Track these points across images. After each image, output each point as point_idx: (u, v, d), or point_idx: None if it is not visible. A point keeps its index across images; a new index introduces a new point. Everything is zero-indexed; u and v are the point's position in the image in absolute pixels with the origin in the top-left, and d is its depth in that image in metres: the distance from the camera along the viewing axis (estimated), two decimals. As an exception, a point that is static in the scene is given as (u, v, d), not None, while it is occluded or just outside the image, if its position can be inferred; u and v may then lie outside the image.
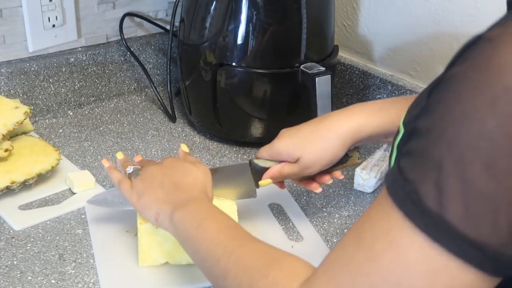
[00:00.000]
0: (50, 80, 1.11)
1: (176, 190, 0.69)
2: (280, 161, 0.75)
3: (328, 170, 0.76)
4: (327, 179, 0.77)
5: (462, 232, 0.39)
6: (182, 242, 0.65)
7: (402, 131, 0.51)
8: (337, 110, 0.75)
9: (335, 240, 0.84)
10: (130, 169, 0.74)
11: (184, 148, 0.80)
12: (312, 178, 0.78)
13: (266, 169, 0.76)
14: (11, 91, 1.06)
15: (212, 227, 0.62)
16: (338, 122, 0.72)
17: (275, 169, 0.75)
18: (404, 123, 0.51)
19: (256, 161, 0.77)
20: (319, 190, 0.78)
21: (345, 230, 0.86)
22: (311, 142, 0.72)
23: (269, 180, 0.76)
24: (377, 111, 0.72)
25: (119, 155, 0.78)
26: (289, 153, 0.73)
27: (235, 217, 0.75)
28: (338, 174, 0.78)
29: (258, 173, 0.76)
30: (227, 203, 0.77)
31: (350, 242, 0.47)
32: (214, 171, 0.75)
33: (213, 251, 0.59)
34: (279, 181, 0.79)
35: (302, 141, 0.73)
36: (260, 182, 0.77)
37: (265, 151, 0.77)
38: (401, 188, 0.42)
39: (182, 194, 0.68)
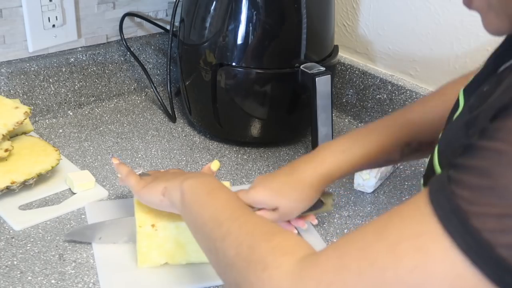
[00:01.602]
0: (50, 80, 1.10)
1: (183, 174, 0.73)
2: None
3: (303, 214, 0.78)
4: (302, 224, 0.79)
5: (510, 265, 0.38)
6: (187, 207, 0.65)
7: (462, 104, 0.51)
8: (304, 157, 0.78)
9: (335, 240, 0.84)
10: (139, 169, 0.78)
11: (214, 166, 0.81)
12: (287, 222, 0.80)
13: None
14: (11, 91, 1.06)
15: (222, 196, 0.64)
16: (307, 173, 0.75)
17: None
18: (465, 94, 0.51)
19: None
20: (294, 231, 0.80)
21: (345, 230, 0.87)
22: (285, 193, 0.75)
23: None
24: (339, 154, 0.75)
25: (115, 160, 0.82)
26: (266, 203, 0.75)
27: None
28: (312, 218, 0.80)
29: None
30: None
31: (371, 230, 0.45)
32: None
33: (218, 215, 0.60)
34: None
35: (276, 192, 0.75)
36: None
37: (242, 196, 0.76)
38: (447, 201, 0.41)
39: (189, 173, 0.75)
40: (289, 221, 0.79)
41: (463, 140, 0.46)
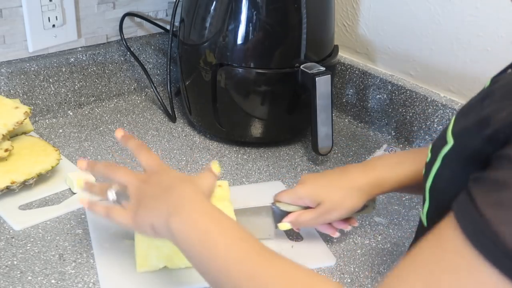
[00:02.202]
0: (50, 80, 1.10)
1: (167, 193, 0.62)
2: (300, 206, 0.78)
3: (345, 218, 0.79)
4: (346, 226, 0.80)
5: None
6: (186, 255, 0.59)
7: (451, 142, 0.51)
8: (357, 164, 0.79)
9: (335, 240, 0.84)
10: (112, 195, 0.67)
11: (215, 167, 0.70)
12: (329, 224, 0.80)
13: (285, 212, 0.78)
14: (11, 91, 1.06)
15: (219, 241, 0.56)
16: (359, 177, 0.76)
17: (294, 215, 0.78)
18: (454, 133, 0.51)
19: (277, 204, 0.79)
20: (336, 234, 0.80)
21: (345, 230, 0.86)
22: (332, 190, 0.76)
23: (288, 225, 0.78)
24: (394, 165, 0.76)
25: (79, 183, 0.73)
26: (311, 198, 0.76)
27: (232, 217, 0.75)
28: (354, 221, 0.80)
29: (277, 216, 0.79)
30: (223, 204, 0.77)
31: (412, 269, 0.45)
32: (236, 212, 0.78)
33: (227, 274, 0.54)
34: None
35: (324, 188, 0.76)
36: (279, 225, 0.79)
37: (286, 195, 0.79)
38: (474, 224, 0.40)
39: (174, 195, 0.62)
40: (330, 224, 0.79)
41: (478, 109, 0.47)
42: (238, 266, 0.54)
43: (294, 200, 0.78)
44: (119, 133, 0.73)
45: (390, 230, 0.88)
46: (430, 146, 0.59)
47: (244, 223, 0.78)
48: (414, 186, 0.75)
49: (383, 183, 0.75)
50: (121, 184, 0.67)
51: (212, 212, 0.60)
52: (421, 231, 0.61)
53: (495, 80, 0.53)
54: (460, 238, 0.41)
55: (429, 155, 0.57)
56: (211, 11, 1.00)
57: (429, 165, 0.56)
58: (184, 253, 0.60)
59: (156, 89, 1.19)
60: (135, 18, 1.21)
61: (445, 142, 0.53)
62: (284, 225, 0.78)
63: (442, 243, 0.43)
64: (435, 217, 0.56)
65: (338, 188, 0.76)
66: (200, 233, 0.57)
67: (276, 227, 0.79)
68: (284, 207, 0.79)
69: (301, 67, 0.98)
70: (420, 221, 0.62)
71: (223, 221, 0.59)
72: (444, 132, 0.55)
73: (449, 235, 0.43)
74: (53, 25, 1.09)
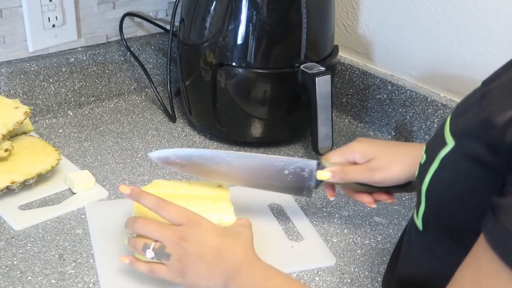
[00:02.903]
0: (50, 80, 1.11)
1: (218, 257, 0.63)
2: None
3: (387, 189, 0.77)
4: (386, 198, 0.78)
5: None
6: None
7: (451, 143, 0.51)
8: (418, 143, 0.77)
9: (335, 240, 0.84)
10: (150, 253, 0.66)
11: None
12: (369, 193, 0.78)
13: None
14: (11, 91, 1.06)
15: None
16: (416, 149, 0.73)
17: (337, 166, 0.76)
18: (455, 135, 0.51)
19: (324, 161, 0.77)
20: (373, 205, 0.78)
21: (345, 230, 0.87)
22: (387, 151, 0.74)
23: (328, 174, 0.75)
24: None
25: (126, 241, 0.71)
26: (363, 152, 0.74)
27: (232, 217, 0.75)
28: (393, 197, 0.79)
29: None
30: (223, 204, 0.76)
31: None
32: (278, 160, 0.75)
33: None
34: (330, 186, 0.79)
35: (378, 147, 0.75)
36: (318, 172, 0.76)
37: (337, 150, 0.78)
38: (507, 246, 0.42)
39: (227, 260, 0.63)
40: (371, 194, 0.78)
41: (477, 109, 0.48)
42: None
43: (345, 153, 0.75)
44: (125, 190, 0.68)
45: (390, 230, 0.88)
46: (424, 147, 0.58)
47: (283, 175, 0.76)
48: None
49: None
50: (156, 240, 0.67)
51: (266, 272, 0.63)
52: (416, 235, 0.60)
53: (487, 82, 0.52)
54: (495, 260, 0.43)
55: (424, 156, 0.57)
56: (211, 11, 1.00)
57: (424, 167, 0.55)
58: None
59: (156, 89, 1.19)
60: (135, 18, 1.21)
61: (444, 143, 0.52)
62: (323, 173, 0.75)
63: (480, 267, 0.45)
64: (432, 220, 0.56)
65: (392, 151, 0.74)
66: None
67: (316, 184, 0.76)
68: (330, 165, 0.76)
69: (301, 67, 0.98)
70: (412, 224, 0.61)
71: (275, 279, 0.61)
72: (441, 132, 0.54)
73: (485, 259, 0.44)
74: (53, 25, 1.09)
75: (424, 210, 0.56)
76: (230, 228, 0.69)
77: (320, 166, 0.77)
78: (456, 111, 0.54)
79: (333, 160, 0.78)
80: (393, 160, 0.73)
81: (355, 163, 0.76)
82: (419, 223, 0.58)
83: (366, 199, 0.78)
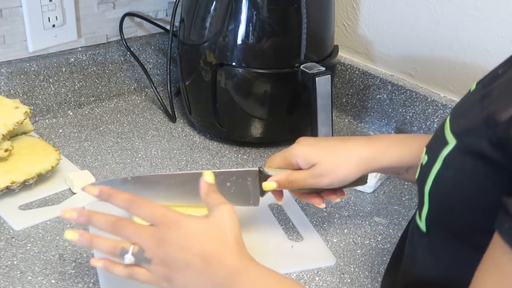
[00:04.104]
0: (50, 80, 1.11)
1: (207, 266, 0.57)
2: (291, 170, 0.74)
3: (335, 189, 0.75)
4: (334, 198, 0.76)
5: None
6: None
7: (453, 142, 0.50)
8: (361, 136, 0.75)
9: (335, 240, 0.84)
10: (129, 257, 0.60)
11: (208, 177, 0.65)
12: (317, 193, 0.77)
13: None
14: (11, 91, 1.06)
15: None
16: (360, 146, 0.72)
17: (282, 174, 0.73)
18: (456, 134, 0.50)
19: (266, 168, 0.75)
20: (322, 205, 0.76)
21: (345, 230, 0.87)
22: (329, 153, 0.72)
23: (274, 184, 0.73)
24: (398, 142, 0.72)
25: (73, 237, 0.63)
26: (305, 157, 0.72)
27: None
28: (343, 193, 0.77)
29: (265, 180, 0.74)
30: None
31: None
32: (217, 175, 0.71)
33: None
34: (278, 191, 0.77)
35: (321, 150, 0.72)
36: (264, 184, 0.74)
37: (278, 155, 0.75)
38: None
39: (218, 271, 0.57)
40: (319, 194, 0.76)
41: (478, 109, 0.48)
42: None
43: (287, 158, 0.73)
44: (93, 191, 0.64)
45: (390, 230, 0.88)
46: (424, 149, 0.58)
47: (226, 188, 0.73)
48: (409, 168, 0.72)
49: (384, 157, 0.71)
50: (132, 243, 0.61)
51: (265, 280, 0.58)
52: (419, 237, 0.59)
53: (486, 84, 0.52)
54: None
55: (426, 157, 0.56)
56: (211, 11, 1.00)
57: (426, 168, 0.55)
58: None
59: (156, 89, 1.19)
60: (135, 18, 1.21)
61: (445, 143, 0.52)
62: (269, 184, 0.73)
63: (503, 270, 0.44)
64: (436, 221, 0.55)
65: (336, 153, 0.71)
66: None
67: (262, 193, 0.74)
68: (273, 172, 0.73)
69: (301, 67, 0.98)
70: (414, 226, 0.60)
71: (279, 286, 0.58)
72: (441, 133, 0.54)
73: (506, 262, 0.43)
74: (53, 25, 1.09)
75: (428, 211, 0.55)
76: (211, 222, 0.60)
77: (262, 174, 0.74)
78: (455, 112, 0.54)
79: (276, 163, 0.75)
80: (337, 162, 0.71)
81: (298, 168, 0.74)
82: (422, 225, 0.57)
83: (315, 200, 0.76)
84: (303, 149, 0.73)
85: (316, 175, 0.72)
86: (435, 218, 0.55)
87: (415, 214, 0.60)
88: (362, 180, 0.76)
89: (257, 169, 0.75)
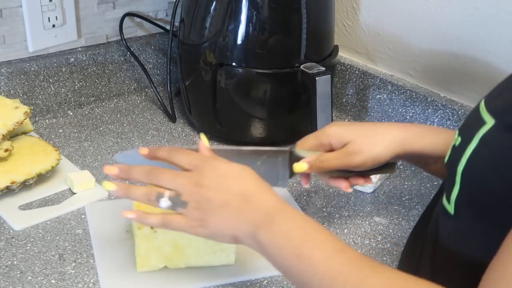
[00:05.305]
0: (50, 80, 1.11)
1: (246, 204, 0.59)
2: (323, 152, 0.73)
3: (363, 173, 0.74)
4: (361, 182, 0.75)
5: None
6: (279, 268, 0.57)
7: (491, 121, 0.50)
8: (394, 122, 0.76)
9: (335, 240, 0.84)
10: (166, 201, 0.61)
11: (204, 140, 0.67)
12: (345, 178, 0.76)
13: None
14: (11, 91, 1.06)
15: (317, 256, 0.53)
16: (395, 127, 0.72)
17: (313, 156, 0.72)
18: (494, 113, 0.50)
19: (297, 149, 0.73)
20: (349, 190, 0.75)
21: (345, 230, 0.87)
22: (364, 132, 0.71)
23: (305, 166, 0.71)
24: (433, 130, 0.72)
25: (107, 185, 0.66)
26: (339, 136, 0.71)
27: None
28: (370, 180, 0.76)
29: (295, 162, 0.72)
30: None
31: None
32: (249, 153, 0.71)
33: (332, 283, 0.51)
34: (306, 174, 0.76)
35: (354, 130, 0.71)
36: (295, 165, 0.72)
37: (311, 135, 0.74)
38: None
39: (258, 208, 0.58)
40: (347, 179, 0.75)
41: None
42: (341, 281, 0.50)
43: (320, 137, 0.72)
44: (143, 151, 0.66)
45: (390, 230, 0.88)
46: (457, 131, 0.57)
47: (256, 166, 0.71)
48: (438, 158, 0.70)
49: (418, 141, 0.70)
50: (169, 189, 0.61)
51: (302, 223, 0.57)
52: (445, 220, 0.57)
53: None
54: None
55: (459, 138, 0.55)
56: (211, 11, 1.00)
57: (459, 148, 0.54)
58: (276, 265, 0.57)
59: (156, 89, 1.19)
60: (135, 18, 1.21)
61: (482, 122, 0.51)
62: (300, 165, 0.71)
63: None
64: (466, 201, 0.54)
65: (370, 133, 0.70)
66: (294, 247, 0.55)
67: (291, 174, 0.73)
68: (304, 154, 0.72)
69: (301, 67, 0.98)
70: (441, 211, 0.59)
71: (316, 232, 0.56)
72: (477, 114, 0.53)
73: None
74: (53, 25, 1.09)
75: (459, 191, 0.54)
76: (244, 167, 0.62)
77: (293, 155, 0.73)
78: (491, 94, 0.53)
79: (308, 144, 0.74)
80: (370, 141, 0.70)
81: (330, 149, 0.73)
82: (450, 207, 0.55)
83: (343, 184, 0.75)
84: (336, 128, 0.72)
85: (349, 153, 0.71)
86: (466, 197, 0.54)
87: (438, 199, 0.59)
88: (392, 167, 0.74)
89: (288, 149, 0.73)
